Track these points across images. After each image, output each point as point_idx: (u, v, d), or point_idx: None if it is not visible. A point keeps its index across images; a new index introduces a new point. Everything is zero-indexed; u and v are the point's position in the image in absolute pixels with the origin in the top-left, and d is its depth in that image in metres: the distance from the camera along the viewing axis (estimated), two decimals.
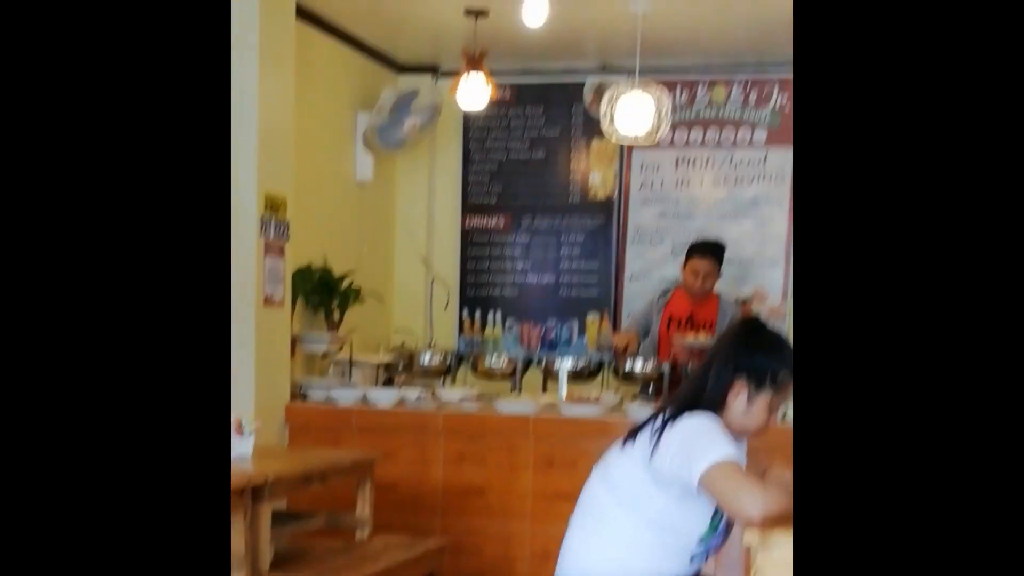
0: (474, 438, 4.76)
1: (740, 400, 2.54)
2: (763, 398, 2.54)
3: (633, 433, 2.59)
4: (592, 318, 6.43)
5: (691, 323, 5.44)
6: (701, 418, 2.49)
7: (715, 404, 2.54)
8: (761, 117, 6.21)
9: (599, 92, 6.07)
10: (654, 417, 2.56)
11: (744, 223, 6.25)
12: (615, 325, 6.40)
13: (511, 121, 6.51)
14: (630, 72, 5.24)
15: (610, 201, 6.44)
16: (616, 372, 5.54)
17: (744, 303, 6.09)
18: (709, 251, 5.36)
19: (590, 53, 6.16)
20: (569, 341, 6.50)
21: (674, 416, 2.51)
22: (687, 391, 2.62)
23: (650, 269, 6.39)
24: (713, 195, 6.31)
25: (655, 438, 2.50)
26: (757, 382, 2.53)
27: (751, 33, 5.61)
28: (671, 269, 6.31)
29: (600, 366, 5.56)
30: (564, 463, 4.60)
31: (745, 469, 2.43)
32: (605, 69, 6.29)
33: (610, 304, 6.44)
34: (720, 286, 5.98)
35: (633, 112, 5.00)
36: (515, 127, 6.52)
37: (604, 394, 5.12)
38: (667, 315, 5.48)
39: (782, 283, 6.21)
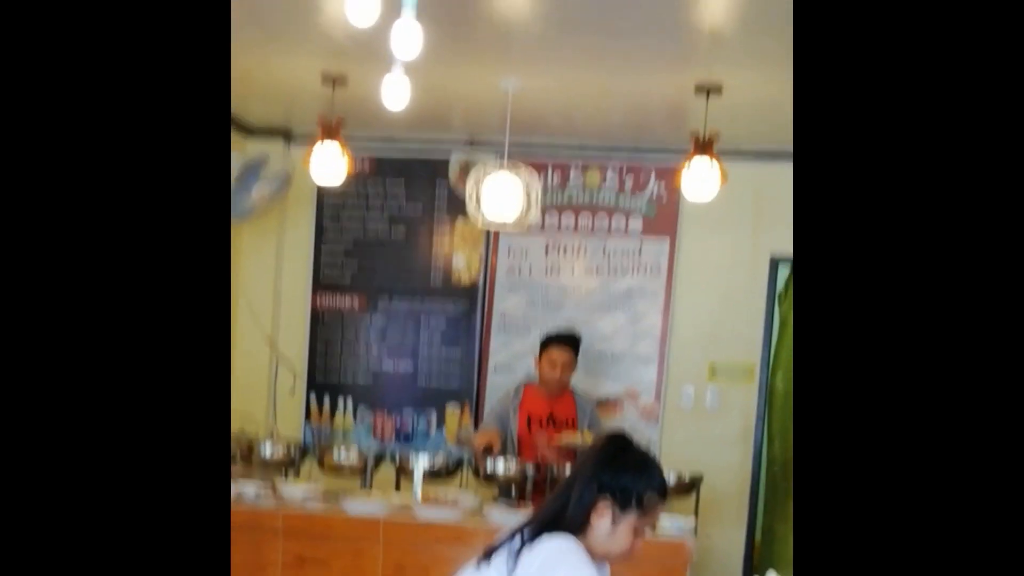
0: (317, 541, 4.58)
1: (604, 522, 2.50)
2: (628, 520, 2.51)
3: (488, 553, 2.52)
4: (452, 410, 6.23)
5: (552, 421, 5.30)
6: (561, 541, 2.43)
7: (577, 525, 2.49)
8: (637, 205, 6.14)
9: (465, 169, 5.94)
10: (511, 537, 2.50)
11: (617, 316, 6.15)
12: (476, 419, 6.18)
13: (369, 195, 6.29)
14: (499, 148, 5.11)
15: (475, 286, 6.26)
16: (476, 472, 5.32)
17: (602, 403, 5.99)
18: (566, 341, 5.31)
19: (457, 126, 6.02)
20: (427, 434, 6.25)
21: (533, 537, 2.45)
22: (547, 510, 2.56)
23: (515, 360, 6.21)
24: (585, 285, 6.19)
25: (512, 560, 2.43)
26: (622, 503, 2.50)
27: (628, 117, 5.57)
28: None
29: (459, 464, 5.32)
30: (416, 571, 4.46)
31: None
32: (473, 144, 6.16)
33: (472, 396, 6.23)
34: (586, 383, 5.86)
35: (501, 195, 4.84)
36: (373, 202, 6.30)
37: (463, 496, 4.91)
38: (524, 414, 5.32)
39: (656, 382, 6.10)
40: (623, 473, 2.51)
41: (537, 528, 2.48)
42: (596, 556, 2.49)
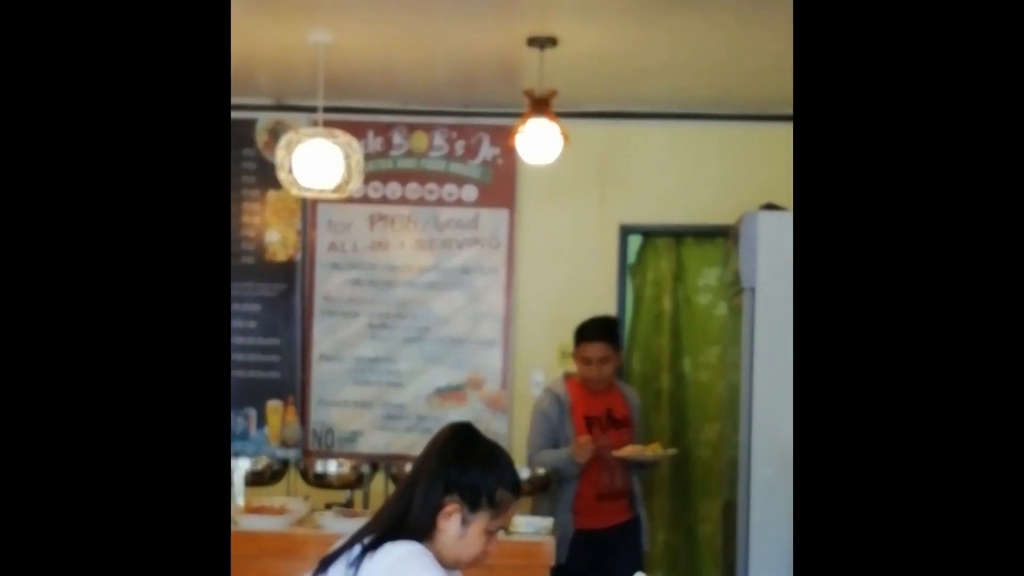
0: None
1: (452, 524, 2.47)
2: (479, 521, 2.48)
3: (324, 564, 2.48)
4: (274, 406, 6.19)
5: (612, 421, 5.12)
6: (407, 548, 2.40)
7: (423, 529, 2.46)
8: (470, 172, 6.19)
9: (275, 134, 5.91)
10: (350, 545, 2.46)
11: (454, 295, 6.18)
12: (303, 415, 6.17)
13: None
14: (312, 112, 5.10)
15: (292, 264, 6.23)
16: (305, 475, 5.33)
17: (443, 392, 6.08)
18: (598, 333, 5.02)
19: (263, 87, 5.96)
20: (246, 434, 6.21)
21: (374, 545, 2.42)
22: (389, 514, 2.52)
23: (343, 348, 6.20)
24: (416, 261, 6.20)
25: (352, 571, 2.40)
26: (472, 503, 2.47)
27: (455, 74, 5.61)
28: (367, 348, 6.19)
29: (285, 467, 5.32)
30: None
31: None
32: (282, 107, 6.12)
33: (296, 389, 6.20)
34: (424, 370, 5.93)
35: (316, 162, 4.84)
36: None
37: (290, 502, 4.90)
38: (579, 415, 5.05)
39: (501, 367, 6.16)
40: (471, 469, 2.47)
41: (378, 534, 2.44)
42: (446, 563, 2.45)
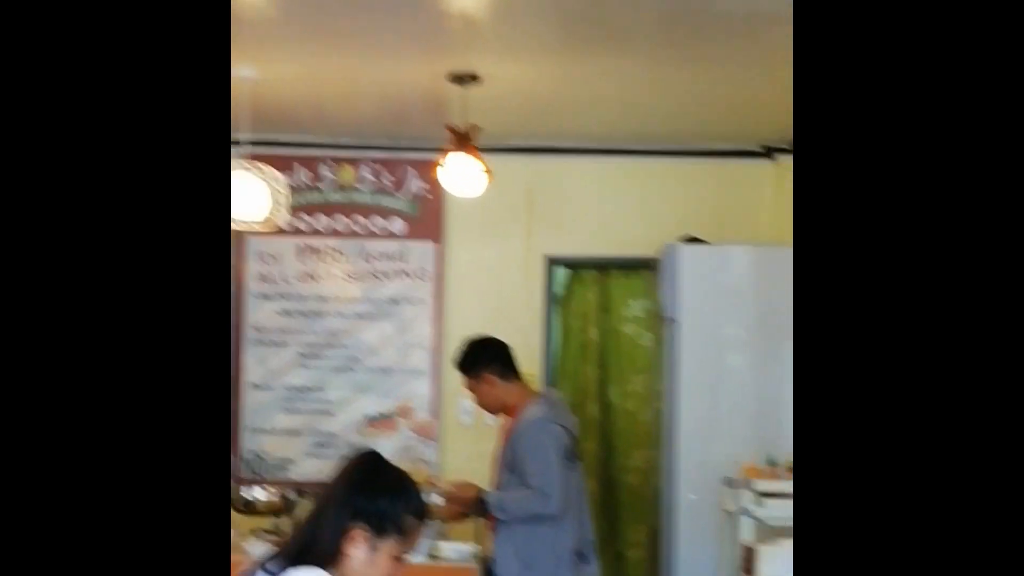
0: None
1: (360, 551, 2.43)
2: (387, 547, 2.45)
3: None
4: None
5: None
6: (309, 574, 2.37)
7: (329, 556, 2.41)
8: (397, 204, 6.18)
9: None
10: (253, 572, 2.43)
11: (383, 326, 6.16)
12: (234, 442, 6.09)
13: None
14: (240, 145, 5.06)
15: None
16: (234, 503, 5.26)
17: (374, 421, 6.00)
18: (458, 366, 4.67)
19: None
20: None
21: (278, 572, 2.39)
22: (295, 541, 2.49)
23: (273, 377, 6.16)
24: (345, 292, 6.18)
25: None
26: (379, 529, 2.44)
27: (382, 109, 5.60)
28: (298, 377, 6.15)
29: None
30: None
31: None
32: None
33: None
34: (355, 399, 5.87)
35: (241, 194, 4.79)
36: None
37: None
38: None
39: (430, 396, 6.14)
40: (378, 496, 2.44)
41: (283, 561, 2.41)
42: None
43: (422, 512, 2.53)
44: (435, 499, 5.08)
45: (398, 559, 2.47)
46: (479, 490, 4.45)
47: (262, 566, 2.43)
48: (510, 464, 4.42)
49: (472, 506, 4.49)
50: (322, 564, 2.40)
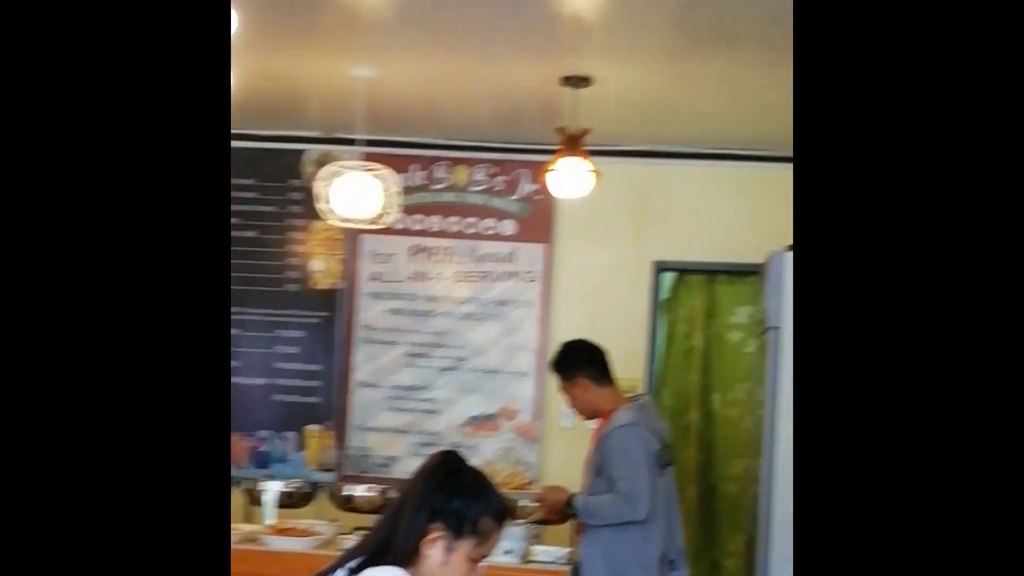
0: None
1: (437, 551, 2.44)
2: (464, 549, 2.45)
3: None
4: (313, 430, 6.24)
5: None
6: (389, 573, 2.38)
7: (406, 555, 2.42)
8: (509, 206, 6.24)
9: (322, 165, 5.98)
10: (332, 569, 2.45)
11: (490, 327, 6.21)
12: (340, 439, 6.21)
13: None
14: (357, 143, 5.17)
15: (334, 293, 6.30)
16: (334, 498, 5.37)
17: (477, 422, 6.04)
18: (552, 368, 4.74)
19: (311, 120, 6.06)
20: (284, 457, 6.26)
21: (358, 570, 2.40)
22: (374, 540, 2.50)
23: (381, 375, 6.25)
24: (455, 292, 6.25)
25: None
26: (456, 531, 2.44)
27: (497, 111, 5.66)
28: (405, 376, 6.24)
29: (316, 489, 5.35)
30: None
31: None
32: (329, 139, 6.20)
33: (335, 415, 6.25)
34: (459, 400, 5.92)
35: (352, 193, 4.90)
36: None
37: (318, 524, 4.94)
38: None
39: (533, 398, 6.17)
40: (456, 497, 2.45)
41: (363, 559, 2.43)
42: None
43: (501, 514, 2.52)
44: (525, 502, 5.13)
45: (475, 561, 2.47)
46: (568, 494, 4.48)
47: (343, 564, 2.45)
48: (598, 468, 4.44)
49: (561, 510, 4.52)
50: (401, 563, 2.41)
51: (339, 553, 4.44)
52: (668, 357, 6.36)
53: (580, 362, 4.58)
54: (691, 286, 6.36)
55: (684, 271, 6.34)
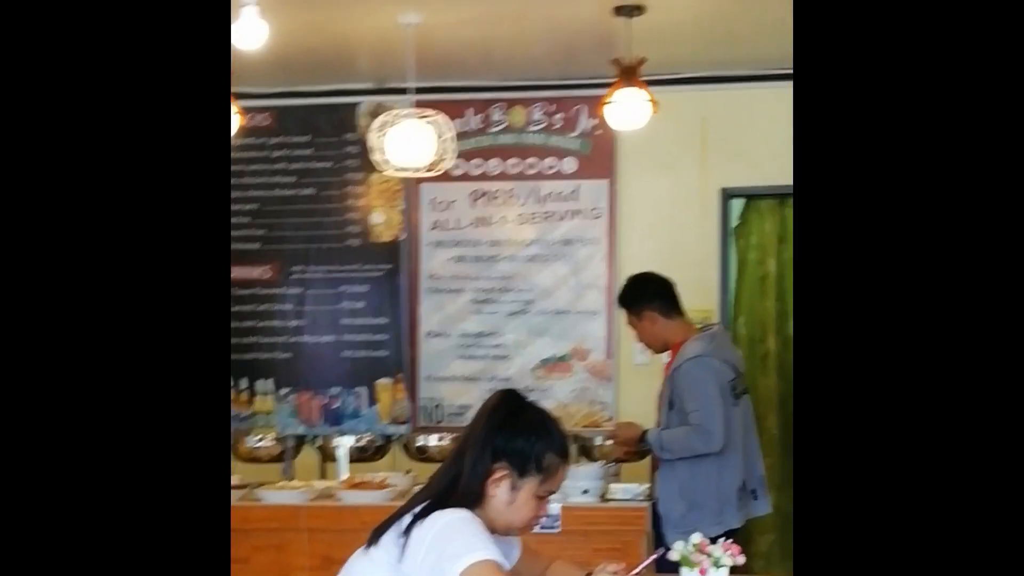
0: (235, 536, 4.48)
1: (502, 491, 2.48)
2: (529, 487, 2.49)
3: (378, 533, 2.49)
4: (384, 384, 6.22)
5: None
6: (455, 515, 2.39)
7: (472, 497, 2.46)
8: (569, 144, 6.13)
9: (376, 116, 5.91)
10: (400, 514, 2.46)
11: (557, 267, 6.14)
12: (412, 392, 6.18)
13: (272, 152, 6.24)
14: (410, 92, 5.09)
15: (397, 244, 6.24)
16: (408, 450, 5.36)
17: (549, 364, 5.99)
18: (620, 302, 4.70)
19: (363, 72, 5.98)
20: (358, 412, 6.24)
21: (424, 513, 2.41)
22: (439, 483, 2.52)
23: (449, 323, 6.21)
24: (519, 235, 6.17)
25: (403, 539, 2.40)
26: (520, 469, 2.48)
27: (550, 47, 5.54)
28: (473, 323, 6.18)
29: (389, 442, 5.34)
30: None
31: (520, 570, 2.45)
32: (382, 90, 6.12)
33: (405, 367, 6.22)
34: (530, 343, 5.87)
35: (407, 142, 4.82)
36: (278, 159, 6.25)
37: (392, 476, 4.93)
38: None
39: (605, 337, 6.09)
40: (518, 436, 2.48)
41: (429, 503, 2.44)
42: (498, 529, 2.46)
43: (564, 451, 2.55)
44: (599, 441, 5.07)
45: (541, 498, 2.50)
46: (641, 429, 4.42)
47: (409, 509, 2.46)
48: (671, 402, 4.39)
49: (635, 446, 4.46)
50: (467, 504, 2.43)
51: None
52: (742, 285, 6.24)
53: (647, 295, 4.52)
54: (761, 211, 6.22)
55: (752, 196, 6.19)
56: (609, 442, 5.00)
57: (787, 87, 5.75)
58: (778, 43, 5.46)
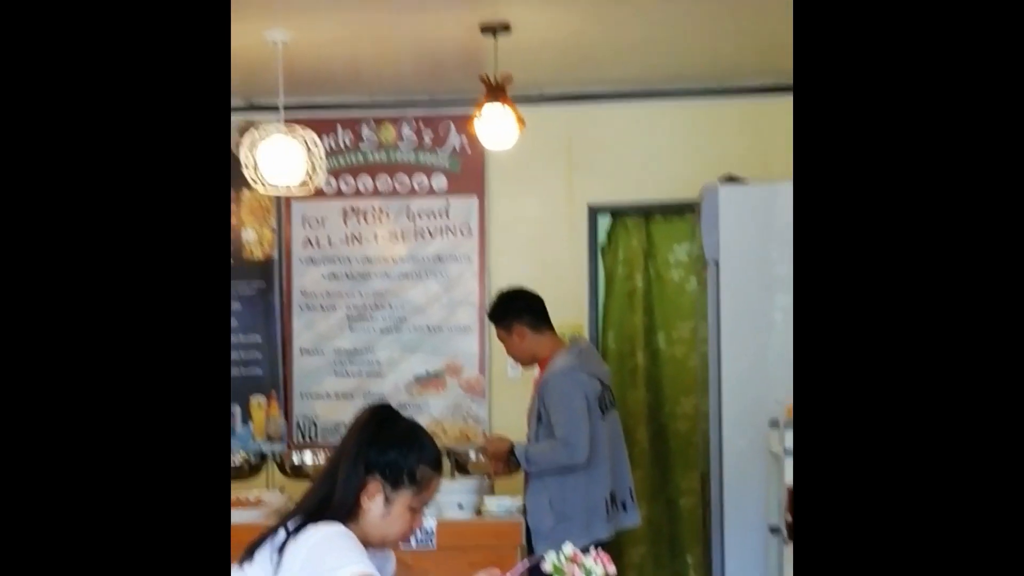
0: None
1: (376, 504, 2.48)
2: (402, 499, 2.50)
3: (251, 549, 2.48)
4: (258, 401, 6.19)
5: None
6: (329, 529, 2.40)
7: (346, 510, 2.46)
8: (439, 161, 6.18)
9: (245, 132, 5.89)
10: (274, 530, 2.46)
11: (429, 284, 6.18)
12: (286, 409, 6.16)
13: None
14: (277, 108, 5.09)
15: (269, 262, 6.22)
16: (282, 467, 5.33)
17: (422, 380, 6.01)
18: (489, 316, 4.75)
19: (232, 87, 5.92)
20: (232, 431, 6.19)
21: (298, 528, 2.41)
22: (312, 498, 2.52)
23: (323, 341, 6.20)
24: (390, 252, 6.19)
25: (277, 555, 2.40)
26: (393, 481, 2.49)
27: (419, 65, 5.59)
28: (346, 340, 6.19)
29: (263, 460, 5.31)
30: None
31: None
32: (252, 106, 6.10)
33: (279, 384, 6.19)
34: (403, 359, 5.90)
35: (278, 159, 4.82)
36: None
37: (267, 494, 4.90)
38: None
39: (478, 353, 6.15)
40: (390, 448, 2.49)
41: (302, 518, 2.44)
42: (373, 542, 2.47)
43: (437, 462, 2.57)
44: (472, 455, 5.13)
45: (415, 510, 2.52)
46: (510, 443, 4.49)
47: (283, 524, 2.46)
48: (539, 414, 4.46)
49: (505, 460, 4.53)
50: (341, 518, 2.43)
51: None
52: (610, 300, 6.36)
53: (516, 310, 4.59)
54: (627, 227, 6.34)
55: (619, 213, 6.32)
56: (479, 455, 5.06)
57: (645, 105, 6.03)
58: (636, 62, 5.65)
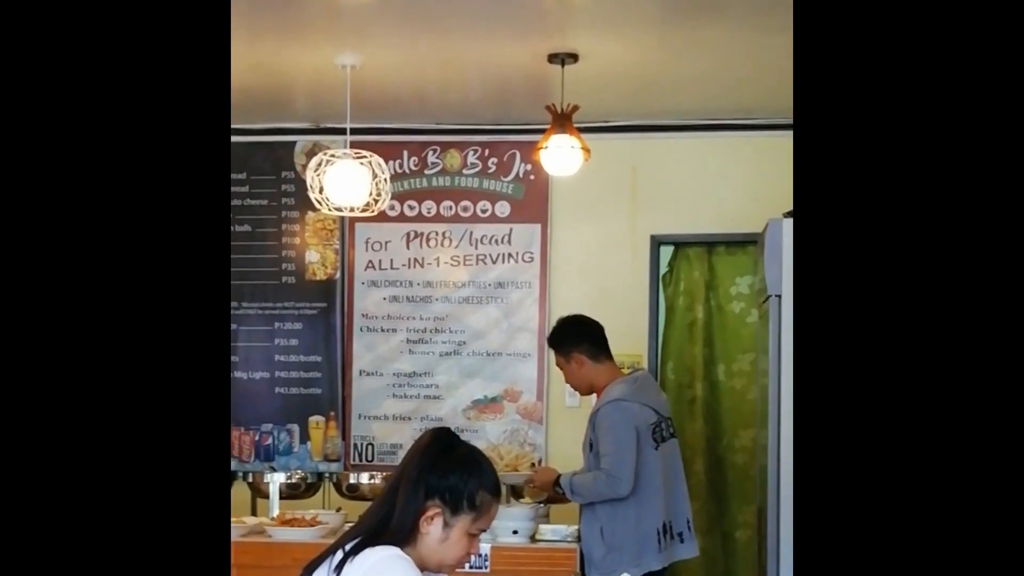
0: None
1: (435, 528, 2.46)
2: (461, 524, 2.48)
3: (309, 569, 2.48)
4: (316, 421, 6.23)
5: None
6: (385, 552, 2.39)
7: (404, 534, 2.45)
8: (503, 188, 6.22)
9: (313, 156, 5.96)
10: (332, 551, 2.46)
11: (489, 309, 6.20)
12: (344, 430, 6.20)
13: None
14: (345, 132, 5.16)
15: (332, 283, 6.28)
16: (339, 487, 5.37)
17: (481, 405, 6.02)
18: (549, 343, 4.77)
19: (300, 111, 6.04)
20: (290, 450, 6.25)
21: (356, 550, 2.41)
22: (371, 520, 2.51)
23: (382, 363, 6.24)
24: (452, 277, 6.23)
25: (334, 575, 2.39)
26: (453, 506, 2.47)
27: (485, 93, 5.64)
28: (406, 363, 6.22)
29: (321, 480, 5.35)
30: None
31: None
32: (319, 129, 6.17)
33: (338, 405, 6.24)
34: (462, 384, 5.91)
35: (343, 181, 4.88)
36: None
37: (323, 514, 4.94)
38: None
39: (536, 379, 6.16)
40: (451, 473, 2.48)
41: (360, 539, 2.44)
42: (430, 566, 2.47)
43: (496, 488, 2.55)
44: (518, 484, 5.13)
45: (472, 535, 2.50)
46: (556, 474, 4.49)
47: (341, 546, 2.45)
48: (591, 443, 4.45)
49: (551, 490, 4.52)
50: (398, 542, 2.43)
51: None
52: (670, 331, 6.34)
53: (576, 337, 4.59)
54: (690, 258, 6.33)
55: (682, 244, 6.31)
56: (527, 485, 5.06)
57: (712, 137, 6.02)
58: (703, 94, 5.65)
